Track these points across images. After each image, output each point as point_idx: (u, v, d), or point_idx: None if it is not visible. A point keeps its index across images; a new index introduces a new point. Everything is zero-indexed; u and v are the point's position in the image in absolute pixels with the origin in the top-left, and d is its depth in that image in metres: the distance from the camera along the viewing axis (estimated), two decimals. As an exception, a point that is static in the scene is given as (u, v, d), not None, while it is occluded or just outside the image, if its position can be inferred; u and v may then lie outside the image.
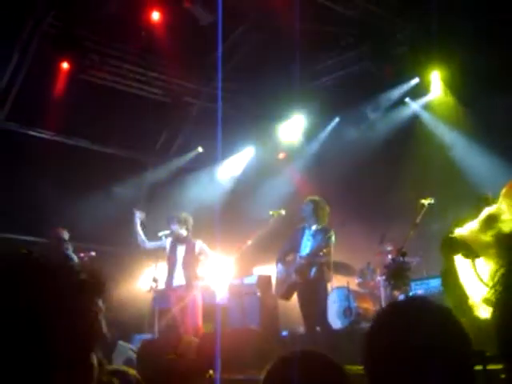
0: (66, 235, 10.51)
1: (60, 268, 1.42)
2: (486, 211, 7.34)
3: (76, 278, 1.41)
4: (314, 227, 9.36)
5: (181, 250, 10.38)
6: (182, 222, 10.33)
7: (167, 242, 10.48)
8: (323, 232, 9.23)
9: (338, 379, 1.96)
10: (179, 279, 10.25)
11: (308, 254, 9.27)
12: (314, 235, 9.32)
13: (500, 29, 10.50)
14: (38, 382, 1.28)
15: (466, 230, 7.48)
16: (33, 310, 1.28)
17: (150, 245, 10.69)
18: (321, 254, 9.09)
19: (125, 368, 2.37)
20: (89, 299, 1.41)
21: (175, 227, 10.33)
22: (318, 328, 9.32)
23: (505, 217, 7.16)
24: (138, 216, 10.74)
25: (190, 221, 10.42)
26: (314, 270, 9.11)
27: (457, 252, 7.59)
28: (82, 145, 13.29)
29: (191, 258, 10.29)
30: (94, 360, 1.42)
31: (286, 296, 9.64)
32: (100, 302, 1.44)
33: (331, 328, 9.63)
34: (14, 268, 1.38)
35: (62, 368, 1.31)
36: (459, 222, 8.58)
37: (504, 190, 7.21)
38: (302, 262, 9.24)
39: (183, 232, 10.33)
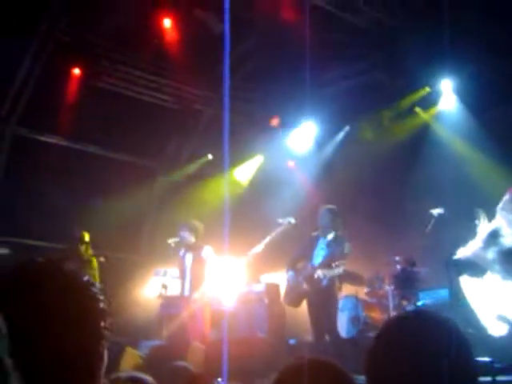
0: (87, 237, 10.64)
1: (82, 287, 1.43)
2: (486, 228, 7.34)
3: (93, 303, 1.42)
4: (329, 236, 9.33)
5: (189, 257, 10.39)
6: (193, 230, 10.34)
7: (180, 252, 10.51)
8: (338, 242, 9.22)
9: None
10: (188, 287, 10.27)
11: (320, 264, 9.25)
12: (328, 244, 9.30)
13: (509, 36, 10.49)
14: None
15: (469, 249, 7.48)
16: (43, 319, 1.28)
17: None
18: (333, 265, 9.07)
19: (141, 374, 2.39)
20: (97, 323, 1.41)
21: (185, 234, 10.34)
22: (326, 337, 9.30)
23: (505, 231, 7.16)
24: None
25: (201, 229, 10.43)
26: (325, 279, 9.08)
27: (463, 273, 7.59)
28: (92, 150, 13.31)
29: (199, 264, 10.29)
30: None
31: (295, 304, 9.63)
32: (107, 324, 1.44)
33: (340, 337, 9.61)
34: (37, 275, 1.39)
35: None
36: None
37: (500, 204, 7.21)
38: (313, 270, 9.23)
39: (192, 239, 10.34)
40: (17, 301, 1.28)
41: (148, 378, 2.35)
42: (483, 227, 7.46)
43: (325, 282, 9.06)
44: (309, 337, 9.99)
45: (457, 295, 8.62)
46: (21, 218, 11.52)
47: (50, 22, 11.20)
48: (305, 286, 9.34)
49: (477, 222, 8.45)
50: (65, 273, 1.41)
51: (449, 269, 8.65)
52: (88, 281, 1.44)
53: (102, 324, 1.42)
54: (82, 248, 10.24)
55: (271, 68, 12.47)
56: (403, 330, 1.99)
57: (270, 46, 12.20)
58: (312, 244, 9.45)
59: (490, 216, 7.64)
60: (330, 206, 9.54)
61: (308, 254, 9.42)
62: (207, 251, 10.25)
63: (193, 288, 10.21)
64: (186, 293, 10.28)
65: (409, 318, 2.11)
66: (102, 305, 1.44)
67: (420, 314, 2.13)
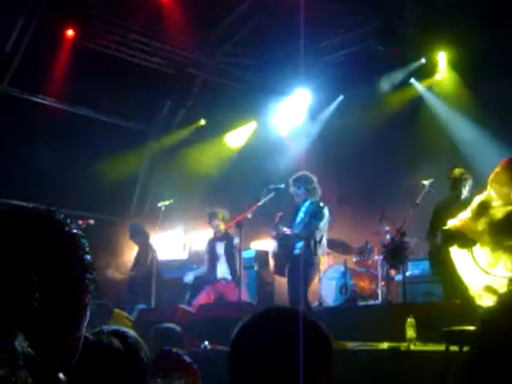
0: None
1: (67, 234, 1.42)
2: (477, 199, 7.35)
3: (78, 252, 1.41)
4: (306, 204, 9.27)
5: (221, 246, 10.73)
6: (225, 219, 10.72)
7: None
8: (313, 207, 9.14)
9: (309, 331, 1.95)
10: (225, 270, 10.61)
11: (295, 229, 9.18)
12: (305, 212, 9.22)
13: (509, 12, 10.44)
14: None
15: (459, 219, 7.49)
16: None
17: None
18: (306, 228, 9.00)
19: (124, 328, 2.39)
20: (82, 275, 1.40)
21: (217, 224, 10.74)
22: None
23: (495, 203, 7.17)
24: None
25: (228, 217, 10.75)
26: (300, 244, 9.02)
27: (452, 243, 7.61)
28: (84, 113, 13.23)
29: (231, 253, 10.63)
30: (83, 332, 1.41)
31: (280, 272, 9.53)
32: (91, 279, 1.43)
33: (311, 308, 9.46)
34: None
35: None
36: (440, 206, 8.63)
37: (491, 176, 7.22)
38: (290, 237, 9.20)
39: (222, 228, 10.69)
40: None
41: (131, 332, 2.35)
42: (476, 199, 7.46)
43: (296, 252, 8.97)
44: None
45: (433, 264, 8.68)
46: (7, 176, 11.45)
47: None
48: (281, 252, 9.28)
49: (463, 189, 8.48)
50: (55, 220, 1.40)
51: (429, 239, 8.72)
52: (77, 232, 1.43)
53: (88, 276, 1.40)
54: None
55: (266, 35, 12.39)
56: (250, 338, 2.00)
57: (265, 12, 12.11)
58: (295, 212, 9.38)
59: (482, 187, 7.64)
60: (300, 175, 9.44)
61: (291, 222, 9.34)
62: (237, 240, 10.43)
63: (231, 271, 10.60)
64: (219, 275, 10.65)
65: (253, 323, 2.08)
66: (89, 257, 1.43)
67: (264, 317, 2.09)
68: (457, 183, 8.55)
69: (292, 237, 9.09)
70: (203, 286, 10.61)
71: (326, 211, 9.10)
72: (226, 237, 10.72)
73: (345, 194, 11.74)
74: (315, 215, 9.05)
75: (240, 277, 9.90)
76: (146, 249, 11.29)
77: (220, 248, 10.67)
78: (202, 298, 10.30)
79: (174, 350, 4.16)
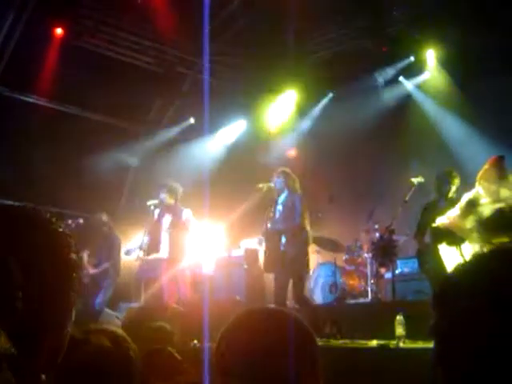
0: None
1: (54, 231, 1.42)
2: (466, 197, 7.39)
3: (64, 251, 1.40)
4: (282, 196, 9.19)
5: (167, 219, 10.33)
6: (171, 191, 10.26)
7: (155, 213, 10.42)
8: (290, 197, 9.08)
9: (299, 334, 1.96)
10: (165, 249, 10.21)
11: (276, 224, 9.13)
12: (283, 204, 9.15)
13: (497, 10, 10.48)
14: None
15: (447, 217, 7.53)
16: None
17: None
18: (286, 220, 8.96)
19: (113, 328, 2.39)
20: (69, 273, 1.40)
21: (164, 196, 10.27)
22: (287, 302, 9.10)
23: (483, 201, 7.22)
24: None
25: (180, 190, 10.34)
26: (283, 239, 8.96)
27: (441, 241, 7.65)
28: (73, 112, 13.19)
29: (177, 227, 10.22)
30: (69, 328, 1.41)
31: (268, 269, 9.46)
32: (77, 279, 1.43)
33: (312, 303, 9.46)
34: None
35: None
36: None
37: (480, 174, 7.26)
38: (272, 232, 9.16)
39: (171, 201, 10.26)
40: None
41: (119, 330, 2.36)
42: (464, 197, 7.50)
43: (282, 248, 8.93)
44: (288, 302, 9.98)
45: (422, 263, 8.68)
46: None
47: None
48: (266, 248, 9.24)
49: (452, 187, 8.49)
50: (42, 219, 1.40)
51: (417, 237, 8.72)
52: (64, 231, 1.43)
53: (74, 275, 1.40)
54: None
55: (255, 33, 12.40)
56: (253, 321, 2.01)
57: (254, 10, 12.11)
58: (273, 207, 9.31)
59: (470, 185, 7.68)
60: (283, 169, 9.41)
61: (271, 218, 9.28)
62: (187, 214, 10.20)
63: (171, 251, 10.17)
64: (164, 255, 10.21)
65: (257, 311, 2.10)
66: (75, 256, 1.43)
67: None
68: (445, 181, 8.54)
69: (275, 233, 9.04)
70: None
71: (302, 200, 9.03)
72: (173, 210, 10.32)
73: (335, 192, 11.74)
74: (293, 206, 8.99)
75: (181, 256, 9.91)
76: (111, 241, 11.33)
77: (166, 222, 10.34)
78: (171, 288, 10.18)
79: (168, 348, 4.16)
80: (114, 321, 9.77)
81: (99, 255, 11.27)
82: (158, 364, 3.93)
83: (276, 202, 9.25)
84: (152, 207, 10.48)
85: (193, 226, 10.26)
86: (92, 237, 11.23)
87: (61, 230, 1.41)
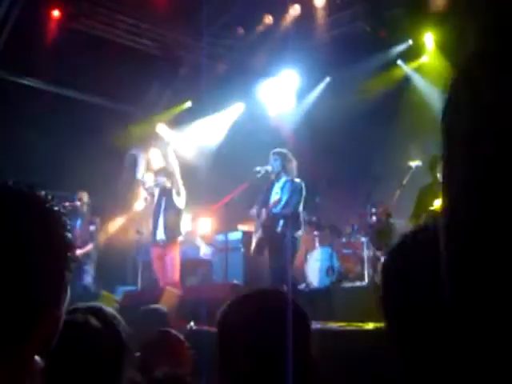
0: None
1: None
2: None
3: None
4: (282, 179, 9.21)
5: (164, 202, 10.33)
6: (169, 175, 10.26)
7: (156, 192, 10.41)
8: (291, 184, 9.09)
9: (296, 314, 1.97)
10: (161, 233, 10.19)
11: (274, 208, 9.14)
12: (282, 188, 9.17)
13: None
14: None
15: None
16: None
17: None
18: (288, 206, 8.96)
19: (100, 304, 2.33)
20: (64, 252, 1.39)
21: (162, 180, 10.26)
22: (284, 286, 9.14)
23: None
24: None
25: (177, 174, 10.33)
26: (280, 223, 8.99)
27: None
28: (71, 95, 13.17)
29: (173, 210, 10.20)
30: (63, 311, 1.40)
31: (257, 252, 9.47)
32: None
33: (297, 288, 9.46)
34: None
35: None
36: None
37: None
38: (269, 216, 9.18)
39: (168, 184, 10.24)
40: None
41: (108, 308, 2.30)
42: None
43: (279, 230, 8.96)
44: (284, 286, 10.00)
45: None
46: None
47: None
48: (260, 232, 9.25)
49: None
50: (37, 197, 1.40)
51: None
52: (59, 210, 1.43)
53: (69, 254, 1.40)
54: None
55: (253, 16, 12.36)
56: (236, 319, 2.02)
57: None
58: (269, 190, 9.31)
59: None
60: (280, 150, 9.39)
61: (266, 200, 9.28)
62: (182, 197, 10.17)
63: (167, 233, 10.16)
64: (159, 237, 10.21)
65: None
66: (70, 235, 1.42)
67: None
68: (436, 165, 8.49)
69: (272, 216, 9.06)
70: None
71: (303, 186, 9.05)
72: (169, 192, 10.30)
73: (333, 176, 11.73)
74: (294, 192, 9.00)
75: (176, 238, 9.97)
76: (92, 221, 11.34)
77: (163, 204, 10.34)
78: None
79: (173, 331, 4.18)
80: (113, 304, 9.81)
81: (85, 236, 11.19)
82: (164, 346, 3.95)
83: (272, 185, 9.25)
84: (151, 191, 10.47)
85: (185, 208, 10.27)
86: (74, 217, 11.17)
87: (56, 208, 1.41)
